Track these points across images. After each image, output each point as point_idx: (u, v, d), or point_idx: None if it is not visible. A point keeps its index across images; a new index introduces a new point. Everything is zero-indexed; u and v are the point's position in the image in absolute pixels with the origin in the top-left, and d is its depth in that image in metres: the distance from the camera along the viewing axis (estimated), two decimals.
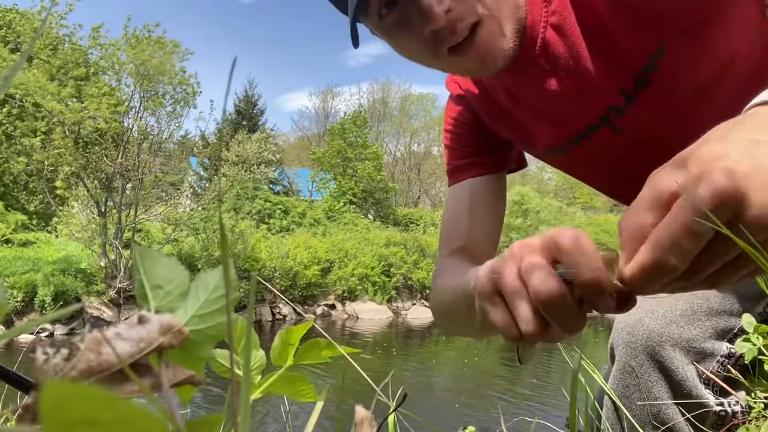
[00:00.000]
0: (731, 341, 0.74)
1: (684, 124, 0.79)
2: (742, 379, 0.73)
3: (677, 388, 0.74)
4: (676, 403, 0.73)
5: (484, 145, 1.01)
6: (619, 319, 0.82)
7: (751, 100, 0.48)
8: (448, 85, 1.07)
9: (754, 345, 0.71)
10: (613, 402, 0.79)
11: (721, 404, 0.73)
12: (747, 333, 0.74)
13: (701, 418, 0.72)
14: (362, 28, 0.80)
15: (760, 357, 0.70)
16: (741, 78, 0.75)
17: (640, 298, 0.79)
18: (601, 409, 0.83)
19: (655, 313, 0.77)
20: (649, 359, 0.76)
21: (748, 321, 0.72)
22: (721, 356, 0.74)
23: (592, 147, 0.87)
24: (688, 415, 0.72)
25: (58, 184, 13.03)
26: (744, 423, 0.70)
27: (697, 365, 0.73)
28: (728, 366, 0.74)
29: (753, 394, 0.72)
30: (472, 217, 0.98)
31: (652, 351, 0.76)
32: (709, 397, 0.73)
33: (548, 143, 0.92)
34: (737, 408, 0.73)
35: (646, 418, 0.75)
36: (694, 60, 0.72)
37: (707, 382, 0.73)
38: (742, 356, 0.73)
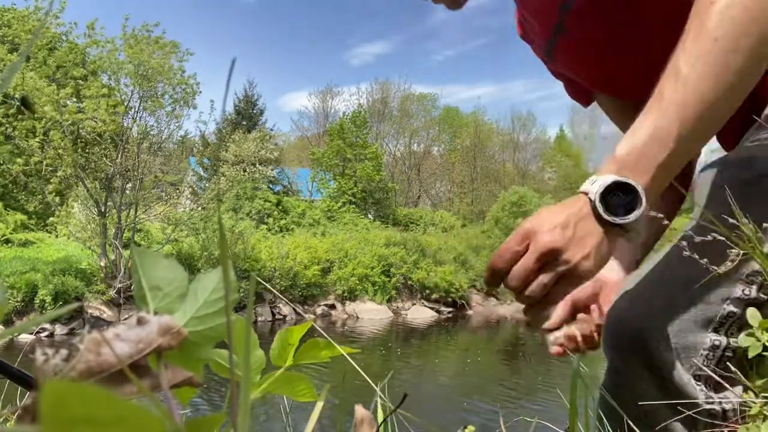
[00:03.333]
0: (716, 331, 0.72)
1: (624, 26, 0.91)
2: (741, 375, 0.71)
3: (668, 386, 0.73)
4: (667, 403, 0.72)
5: None
6: (604, 320, 0.82)
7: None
8: None
9: (759, 341, 0.69)
10: (608, 403, 0.78)
11: (711, 402, 0.71)
12: (731, 321, 0.71)
13: (695, 416, 0.71)
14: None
15: (758, 353, 0.69)
16: None
17: (619, 302, 0.79)
18: (602, 411, 0.82)
19: (635, 311, 0.77)
20: (636, 358, 0.75)
21: (752, 315, 0.70)
22: (704, 349, 0.73)
23: (570, 41, 0.97)
24: (683, 414, 0.71)
25: (51, 188, 13.04)
26: (737, 423, 0.69)
27: (684, 360, 0.72)
28: (714, 359, 0.72)
29: (750, 392, 0.70)
30: None
31: (636, 349, 0.74)
32: (699, 394, 0.71)
33: (541, 38, 1.03)
34: (728, 406, 0.70)
35: (640, 419, 0.74)
36: None
37: (697, 378, 0.72)
38: (727, 348, 0.71)
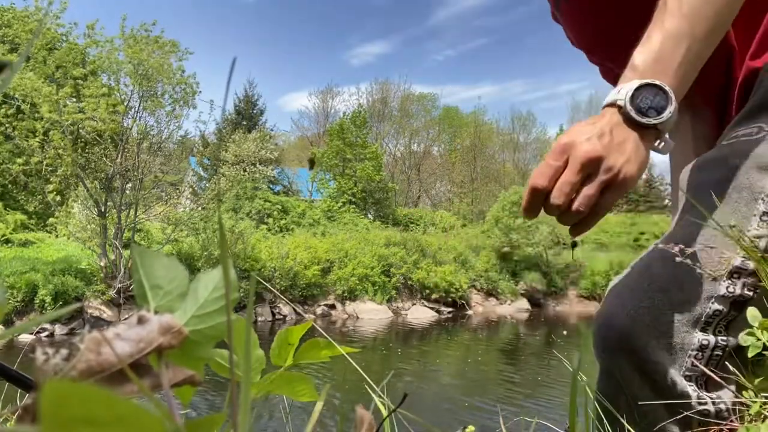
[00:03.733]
0: (704, 330, 0.71)
1: None
2: (740, 375, 0.70)
3: (660, 386, 0.72)
4: (661, 404, 0.72)
5: None
6: (592, 324, 0.81)
7: None
8: None
9: (759, 340, 0.68)
10: (605, 406, 0.78)
11: (704, 402, 0.70)
12: (717, 319, 0.71)
13: (689, 416, 0.70)
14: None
15: (755, 353, 0.68)
16: None
17: (605, 304, 0.79)
18: (601, 411, 0.82)
19: (622, 312, 0.76)
20: (625, 359, 0.74)
21: (752, 315, 0.69)
22: (692, 349, 0.71)
23: (570, 5, 0.99)
24: (680, 415, 0.70)
25: (51, 187, 13.02)
26: (735, 423, 0.68)
27: (674, 360, 0.72)
28: (703, 359, 0.71)
29: (748, 391, 0.69)
30: None
31: (625, 351, 0.74)
32: (692, 394, 0.70)
33: (552, 6, 1.05)
34: (722, 406, 0.70)
35: (636, 420, 0.74)
36: None
37: (688, 378, 0.72)
38: (716, 347, 0.71)
